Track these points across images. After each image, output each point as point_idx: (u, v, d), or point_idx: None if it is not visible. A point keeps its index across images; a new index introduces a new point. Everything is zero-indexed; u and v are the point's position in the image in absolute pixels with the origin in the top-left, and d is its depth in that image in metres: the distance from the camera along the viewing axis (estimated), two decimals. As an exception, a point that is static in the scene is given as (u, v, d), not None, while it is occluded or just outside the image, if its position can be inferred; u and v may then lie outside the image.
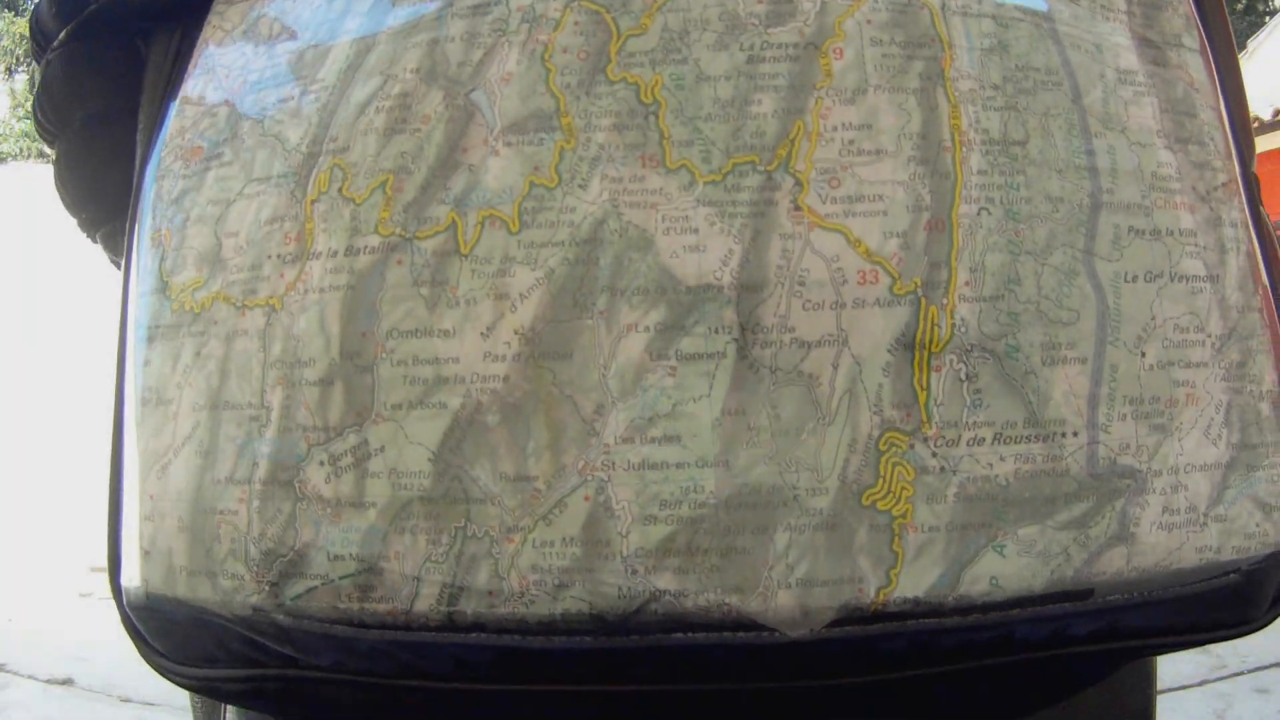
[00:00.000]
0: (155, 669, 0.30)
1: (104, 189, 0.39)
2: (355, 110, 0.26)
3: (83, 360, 3.77)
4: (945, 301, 0.24)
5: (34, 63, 0.38)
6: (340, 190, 0.25)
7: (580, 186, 0.24)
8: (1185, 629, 0.26)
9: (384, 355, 0.24)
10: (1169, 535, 0.25)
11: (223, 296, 0.27)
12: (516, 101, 0.25)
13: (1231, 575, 0.26)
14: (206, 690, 0.30)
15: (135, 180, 0.32)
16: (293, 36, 0.29)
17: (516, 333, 0.24)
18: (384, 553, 0.24)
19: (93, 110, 0.37)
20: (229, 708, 0.36)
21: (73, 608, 3.17)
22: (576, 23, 0.26)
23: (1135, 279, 0.25)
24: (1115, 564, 0.24)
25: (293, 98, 0.27)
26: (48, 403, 3.76)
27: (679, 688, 0.24)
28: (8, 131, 11.25)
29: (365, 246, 0.25)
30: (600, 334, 0.24)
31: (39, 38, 0.36)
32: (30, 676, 2.48)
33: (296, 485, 0.25)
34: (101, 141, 0.37)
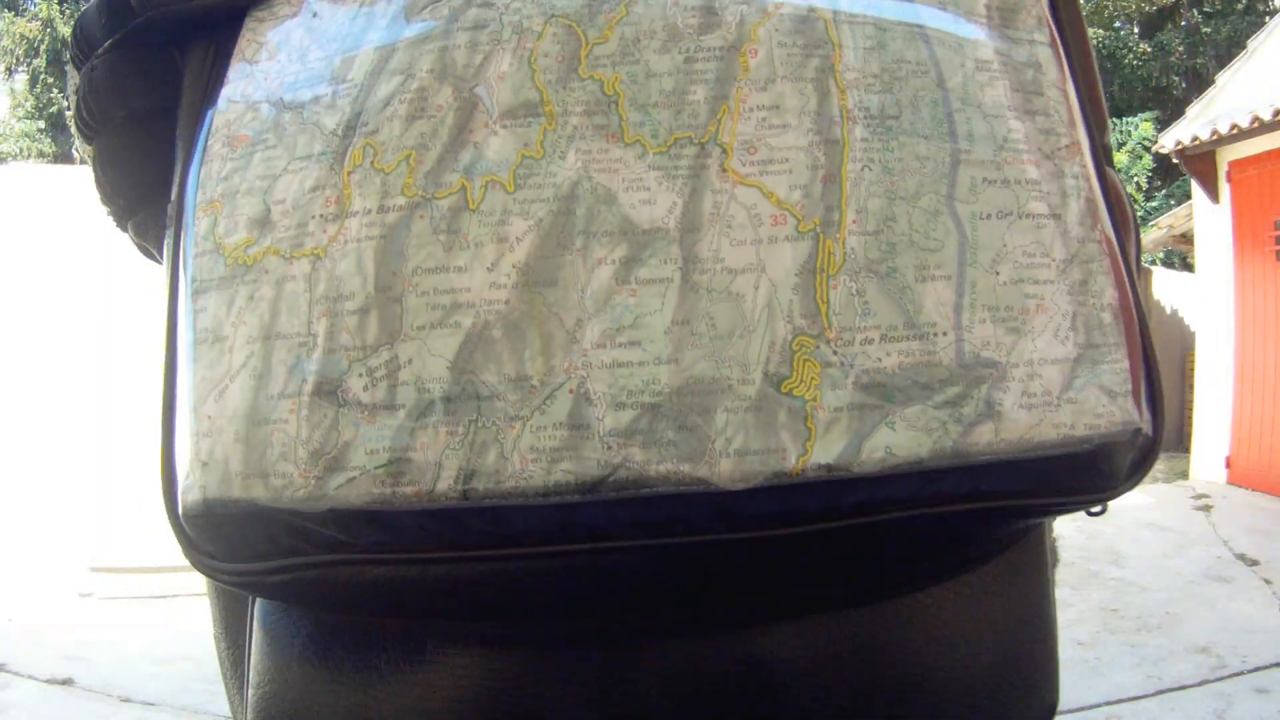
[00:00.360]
0: (203, 569, 0.37)
1: (139, 180, 0.46)
2: (382, 102, 0.35)
3: (83, 360, 3.80)
4: (838, 236, 0.33)
5: (73, 66, 0.45)
6: (372, 163, 0.34)
7: (560, 157, 0.34)
8: (1048, 491, 0.34)
9: (410, 288, 0.33)
10: (1029, 413, 0.33)
11: (273, 250, 0.35)
12: (510, 94, 0.34)
13: (1085, 447, 0.34)
14: (248, 584, 0.37)
15: (180, 167, 0.40)
16: (321, 47, 0.38)
17: (514, 266, 0.33)
18: (411, 444, 0.33)
19: (134, 109, 0.44)
20: (256, 623, 0.43)
21: (73, 608, 3.27)
22: (555, 34, 0.35)
23: (989, 217, 0.34)
24: (985, 437, 0.33)
25: (327, 94, 0.36)
26: (48, 403, 3.78)
27: (644, 542, 0.32)
28: (8, 131, 11.45)
29: (394, 205, 0.34)
30: (578, 266, 0.32)
31: (83, 44, 0.44)
32: (30, 676, 2.55)
33: (339, 394, 0.33)
34: (140, 137, 0.45)
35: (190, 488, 0.36)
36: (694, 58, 0.34)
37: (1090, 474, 0.35)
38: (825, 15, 0.35)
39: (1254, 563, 3.77)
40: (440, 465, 0.32)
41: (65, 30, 10.98)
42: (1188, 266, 8.75)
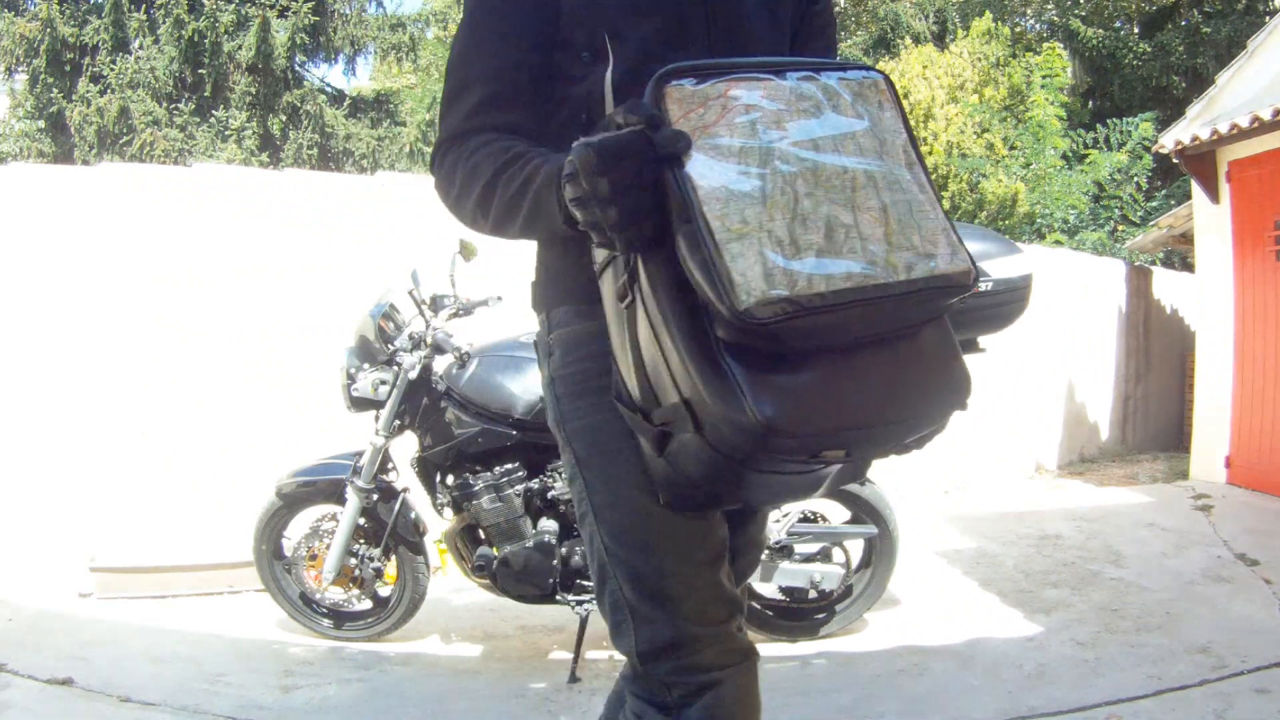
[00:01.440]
0: (737, 320, 0.89)
1: (641, 214, 0.94)
2: (770, 188, 1.00)
3: (84, 359, 3.93)
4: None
5: (591, 174, 0.90)
6: (774, 204, 1.01)
7: (825, 206, 1.01)
8: (952, 285, 0.99)
9: (799, 235, 0.98)
10: (946, 264, 1.00)
11: (754, 229, 0.95)
12: (805, 188, 1.01)
13: (958, 272, 1.04)
14: (750, 329, 0.90)
15: (677, 206, 0.93)
16: (733, 168, 1.00)
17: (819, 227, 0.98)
18: (815, 277, 0.96)
19: (639, 184, 0.92)
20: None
21: (73, 608, 3.51)
22: (809, 174, 1.02)
23: (923, 213, 1.05)
24: (936, 270, 1.01)
25: (747, 185, 0.98)
26: (49, 402, 3.87)
27: (873, 304, 0.94)
28: (7, 131, 11.93)
29: (783, 214, 1.00)
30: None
31: (617, 158, 0.90)
32: (30, 676, 2.71)
33: (791, 273, 0.94)
34: (644, 199, 0.94)
35: (744, 300, 0.88)
36: (843, 177, 1.02)
37: (964, 282, 1.05)
38: (855, 171, 1.03)
39: (1254, 563, 4.07)
40: (812, 278, 0.96)
41: (65, 30, 11.35)
42: (1188, 266, 9.03)
